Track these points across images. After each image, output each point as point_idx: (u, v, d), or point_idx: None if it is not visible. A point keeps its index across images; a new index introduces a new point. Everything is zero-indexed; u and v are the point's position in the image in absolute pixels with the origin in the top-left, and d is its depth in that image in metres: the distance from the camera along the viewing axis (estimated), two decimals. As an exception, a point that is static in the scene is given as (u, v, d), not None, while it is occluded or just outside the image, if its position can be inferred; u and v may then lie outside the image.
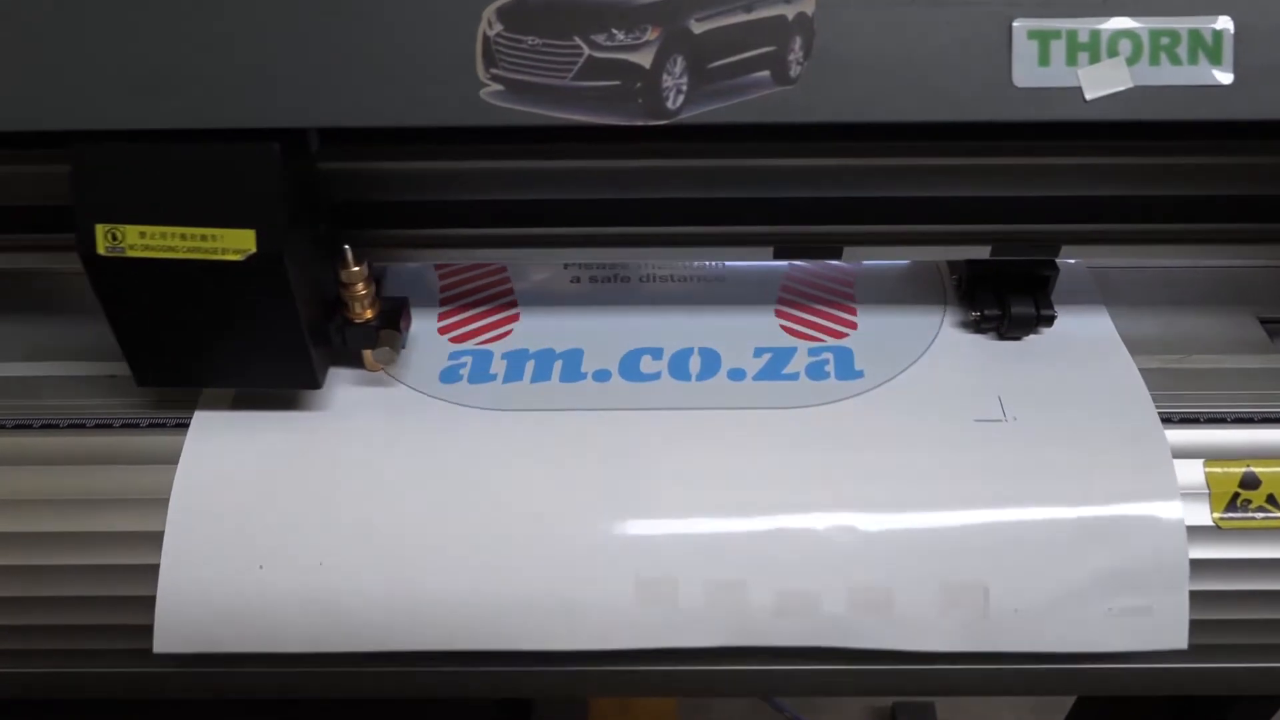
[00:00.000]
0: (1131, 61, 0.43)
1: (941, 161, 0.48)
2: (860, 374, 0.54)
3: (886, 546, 0.48)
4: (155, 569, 0.48)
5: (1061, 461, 0.50)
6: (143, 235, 0.43)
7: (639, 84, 0.43)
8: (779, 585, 0.48)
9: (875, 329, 0.56)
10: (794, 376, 0.54)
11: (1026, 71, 0.43)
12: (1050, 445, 0.50)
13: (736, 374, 0.54)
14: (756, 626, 0.48)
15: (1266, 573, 0.50)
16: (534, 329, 0.57)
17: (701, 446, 0.51)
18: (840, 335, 0.56)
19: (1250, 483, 0.50)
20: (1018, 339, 0.55)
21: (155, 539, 0.48)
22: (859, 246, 0.52)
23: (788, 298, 0.59)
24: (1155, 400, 0.52)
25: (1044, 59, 0.43)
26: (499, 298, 0.59)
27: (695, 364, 0.55)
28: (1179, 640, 0.49)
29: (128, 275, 0.44)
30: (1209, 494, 0.50)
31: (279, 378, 0.50)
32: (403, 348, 0.53)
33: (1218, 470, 0.50)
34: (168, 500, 0.49)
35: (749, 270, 0.61)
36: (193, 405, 0.52)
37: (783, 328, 0.57)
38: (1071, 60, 0.43)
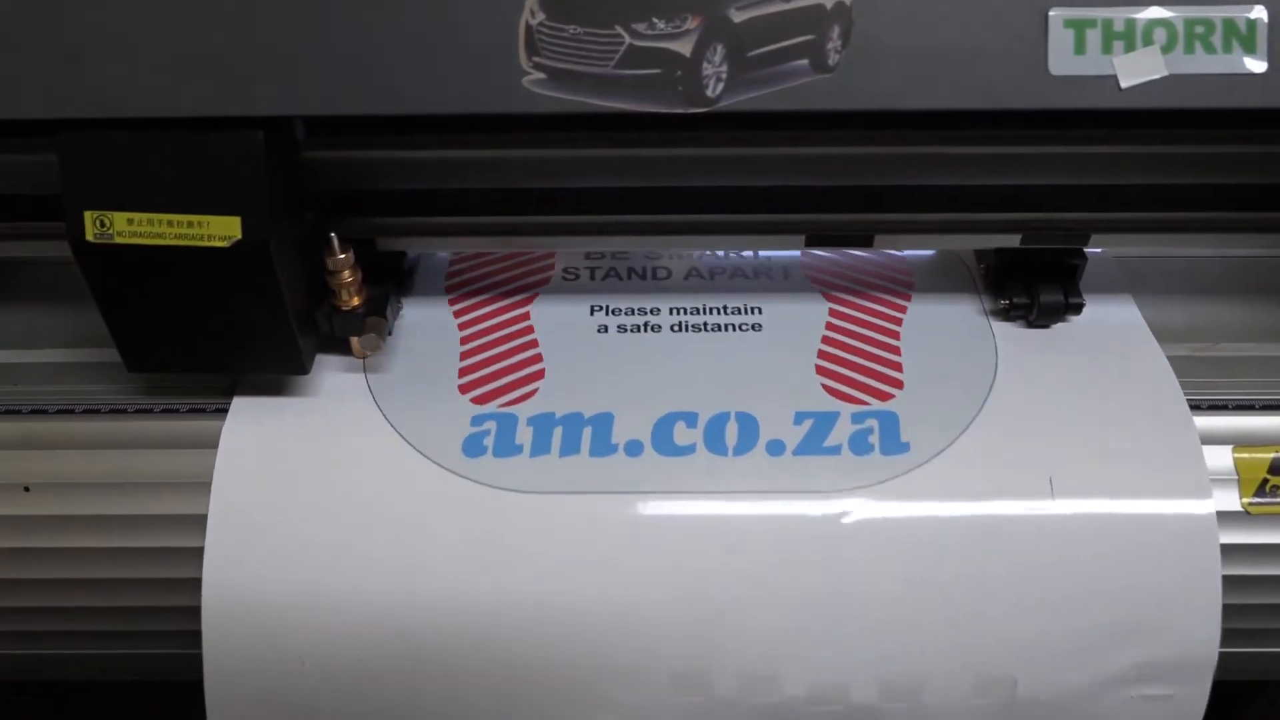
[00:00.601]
0: (1166, 50, 0.43)
1: (976, 150, 0.48)
2: (906, 447, 0.51)
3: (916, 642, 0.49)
4: (199, 551, 0.49)
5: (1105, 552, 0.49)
6: (130, 222, 0.44)
7: (679, 72, 0.43)
8: (812, 679, 0.49)
9: (923, 389, 0.53)
10: (836, 450, 0.50)
11: (1062, 60, 0.43)
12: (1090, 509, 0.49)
13: (776, 447, 0.51)
14: (789, 713, 0.50)
15: (1296, 557, 0.51)
16: (561, 387, 0.53)
17: (739, 561, 0.49)
18: (886, 397, 0.52)
19: (1279, 468, 0.51)
20: (1046, 327, 0.56)
21: (199, 521, 0.49)
22: (891, 235, 0.53)
23: (829, 351, 0.55)
24: (1184, 388, 0.52)
25: (1080, 47, 0.43)
26: (522, 350, 0.55)
27: (732, 433, 0.51)
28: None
29: (116, 261, 0.45)
30: (1238, 480, 0.51)
31: (267, 363, 0.51)
32: (389, 334, 0.54)
33: (1246, 456, 0.51)
34: (209, 484, 0.50)
35: (788, 315, 0.56)
36: (232, 391, 0.53)
37: (824, 387, 0.53)
38: (1107, 49, 0.43)
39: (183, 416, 0.53)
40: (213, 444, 0.50)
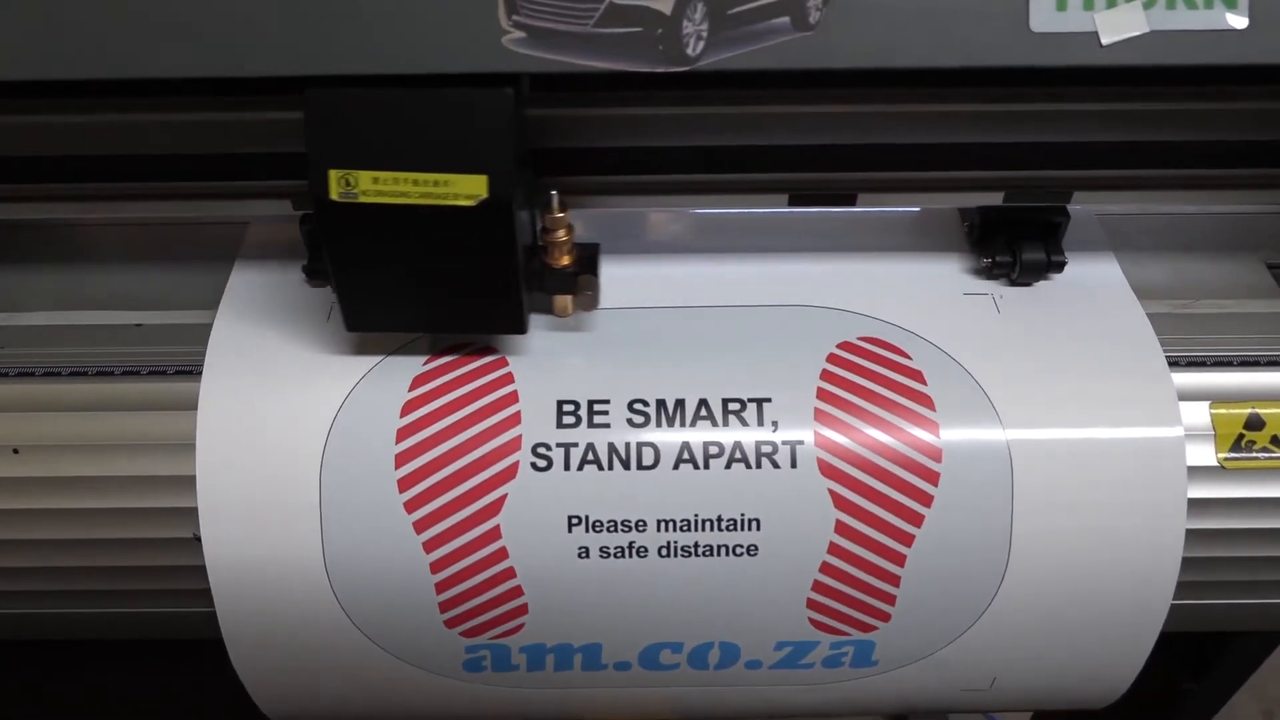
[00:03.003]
0: (1148, 6, 0.43)
1: (958, 108, 0.48)
2: (875, 664, 0.53)
3: None
4: (190, 511, 0.50)
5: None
6: (375, 181, 0.43)
7: (660, 30, 0.43)
8: None
9: (908, 622, 0.52)
10: (809, 666, 0.53)
11: (1044, 17, 0.43)
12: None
13: (753, 664, 0.53)
14: None
15: (1271, 511, 0.51)
16: (546, 621, 0.51)
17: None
18: (868, 629, 0.52)
19: (1255, 424, 0.51)
20: (1028, 285, 0.56)
21: (188, 482, 0.50)
22: (874, 193, 0.53)
23: (824, 581, 0.51)
24: (1163, 344, 0.53)
25: (1061, 4, 0.43)
26: (500, 580, 0.50)
27: (714, 657, 0.53)
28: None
29: (357, 220, 0.44)
30: (1214, 435, 0.51)
31: (488, 323, 0.50)
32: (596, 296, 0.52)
33: (1223, 412, 0.52)
34: (194, 445, 0.50)
35: (788, 535, 0.50)
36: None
37: (810, 620, 0.51)
38: (1088, 5, 0.43)
39: (170, 378, 0.53)
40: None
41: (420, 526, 0.49)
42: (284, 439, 0.50)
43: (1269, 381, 0.52)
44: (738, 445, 0.50)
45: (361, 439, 0.50)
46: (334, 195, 0.44)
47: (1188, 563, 0.51)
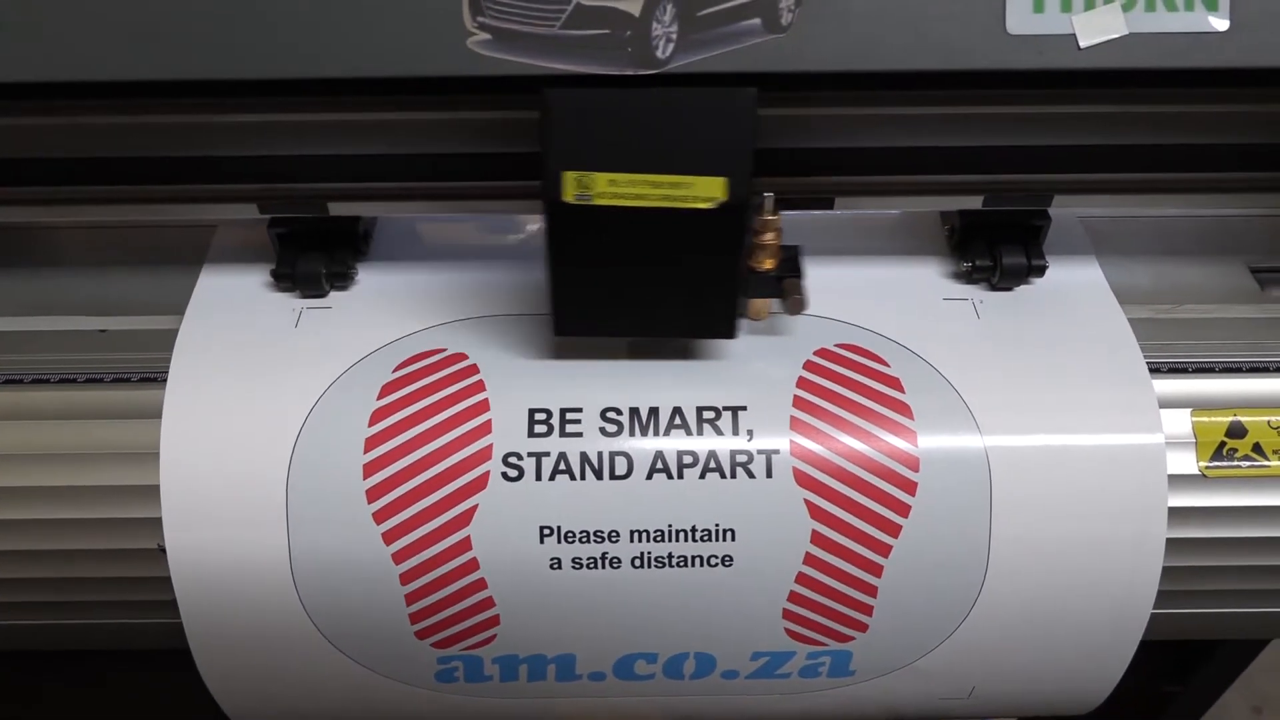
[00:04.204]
0: (1127, 8, 0.42)
1: (934, 110, 0.47)
2: (852, 674, 0.53)
3: None
4: (154, 522, 0.49)
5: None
6: (612, 183, 0.43)
7: (628, 32, 0.42)
8: None
9: (885, 632, 0.51)
10: (785, 676, 0.53)
11: (1021, 19, 0.42)
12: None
13: (729, 674, 0.53)
14: None
15: (1252, 520, 0.51)
16: (519, 633, 0.50)
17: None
18: (845, 639, 0.51)
19: (1236, 432, 0.51)
20: (1009, 289, 0.55)
21: (151, 492, 0.49)
22: (851, 197, 0.52)
23: (800, 592, 0.50)
24: (1144, 350, 0.52)
25: (1039, 6, 0.42)
26: (472, 591, 0.49)
27: (690, 667, 0.52)
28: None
29: (589, 223, 0.44)
30: (1195, 443, 0.51)
31: (698, 327, 0.50)
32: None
33: (1205, 420, 0.51)
34: (158, 454, 0.49)
35: (763, 545, 0.49)
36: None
37: (787, 631, 0.51)
38: (1066, 7, 0.42)
39: (134, 385, 0.52)
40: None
41: (389, 538, 0.48)
42: (250, 447, 0.49)
43: (1252, 389, 0.51)
44: (712, 454, 0.49)
45: (329, 448, 0.49)
46: (568, 197, 0.43)
47: (1168, 572, 0.50)
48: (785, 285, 0.50)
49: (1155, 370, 0.51)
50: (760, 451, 0.49)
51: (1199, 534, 0.50)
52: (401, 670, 0.52)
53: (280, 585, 0.49)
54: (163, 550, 0.49)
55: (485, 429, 0.49)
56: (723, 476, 0.49)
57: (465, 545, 0.48)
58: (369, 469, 0.49)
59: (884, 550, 0.49)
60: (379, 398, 0.50)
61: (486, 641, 0.51)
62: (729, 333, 0.49)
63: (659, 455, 0.49)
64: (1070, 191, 0.52)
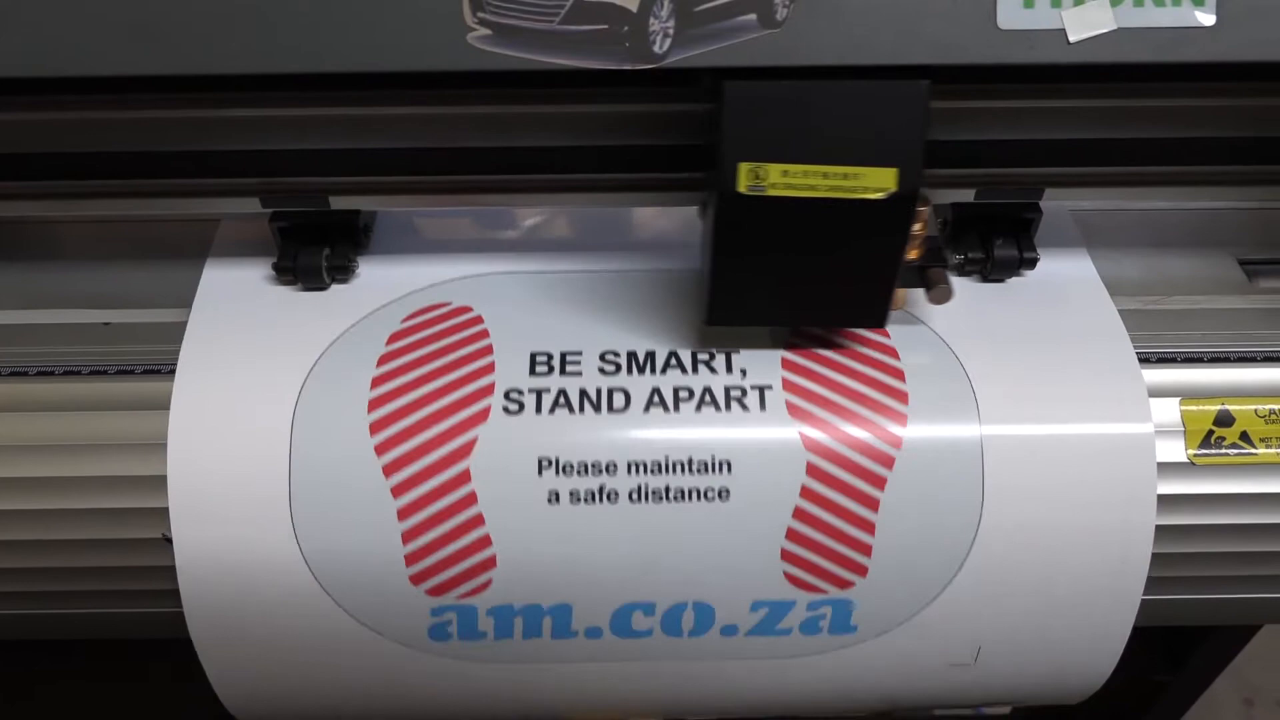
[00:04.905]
0: (1115, 3, 0.43)
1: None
2: (854, 629, 0.52)
3: None
4: (160, 512, 0.49)
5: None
6: (785, 174, 0.43)
7: (626, 28, 0.43)
8: None
9: (886, 576, 0.51)
10: (786, 633, 0.52)
11: (1011, 14, 0.43)
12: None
13: (729, 630, 0.52)
14: None
15: (1239, 507, 0.52)
16: (515, 576, 0.50)
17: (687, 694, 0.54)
18: (845, 584, 0.51)
19: (1224, 420, 0.52)
20: (1001, 281, 0.56)
21: (158, 482, 0.49)
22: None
23: (798, 529, 0.50)
24: (1134, 340, 0.53)
25: (1029, 1, 0.43)
26: (469, 528, 0.49)
27: (689, 620, 0.51)
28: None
29: (759, 214, 0.44)
30: (1184, 431, 0.51)
31: (851, 315, 0.50)
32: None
33: (1193, 408, 0.52)
34: (165, 445, 0.50)
35: (760, 476, 0.50)
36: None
37: (786, 575, 0.50)
38: (1055, 2, 0.43)
39: (138, 377, 0.52)
40: (169, 405, 0.50)
41: (389, 470, 0.49)
42: (258, 388, 0.51)
43: (1239, 378, 0.52)
44: (707, 389, 0.51)
45: (336, 384, 0.50)
46: (742, 188, 0.43)
47: (1157, 558, 0.51)
48: (930, 275, 0.51)
49: (1145, 360, 0.52)
50: (754, 387, 0.51)
51: (1188, 520, 0.51)
52: (394, 624, 0.51)
53: (278, 521, 0.49)
54: (168, 540, 0.50)
55: (488, 369, 0.51)
56: (717, 409, 0.50)
57: (464, 478, 0.49)
58: (374, 404, 0.50)
59: (879, 482, 0.50)
60: (387, 343, 0.52)
61: (483, 587, 0.50)
62: (880, 322, 0.50)
63: (655, 390, 0.51)
64: (1061, 185, 0.52)
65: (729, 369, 0.51)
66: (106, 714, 0.79)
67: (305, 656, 0.52)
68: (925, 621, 0.52)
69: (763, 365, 0.51)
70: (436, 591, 0.50)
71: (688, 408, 0.50)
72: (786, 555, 0.50)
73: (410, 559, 0.49)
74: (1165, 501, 0.50)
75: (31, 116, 0.49)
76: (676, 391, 0.50)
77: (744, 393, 0.50)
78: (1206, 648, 0.74)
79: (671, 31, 0.43)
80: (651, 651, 0.53)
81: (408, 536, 0.49)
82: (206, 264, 0.56)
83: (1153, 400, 0.51)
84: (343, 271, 0.55)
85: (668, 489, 0.49)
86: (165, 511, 0.49)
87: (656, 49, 0.43)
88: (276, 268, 0.54)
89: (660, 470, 0.49)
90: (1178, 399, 0.52)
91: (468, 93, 0.48)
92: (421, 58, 0.43)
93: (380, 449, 0.49)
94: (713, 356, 0.52)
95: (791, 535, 0.50)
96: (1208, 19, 0.43)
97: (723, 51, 0.43)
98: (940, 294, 0.51)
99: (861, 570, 0.51)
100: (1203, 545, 0.52)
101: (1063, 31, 0.43)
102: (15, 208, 0.53)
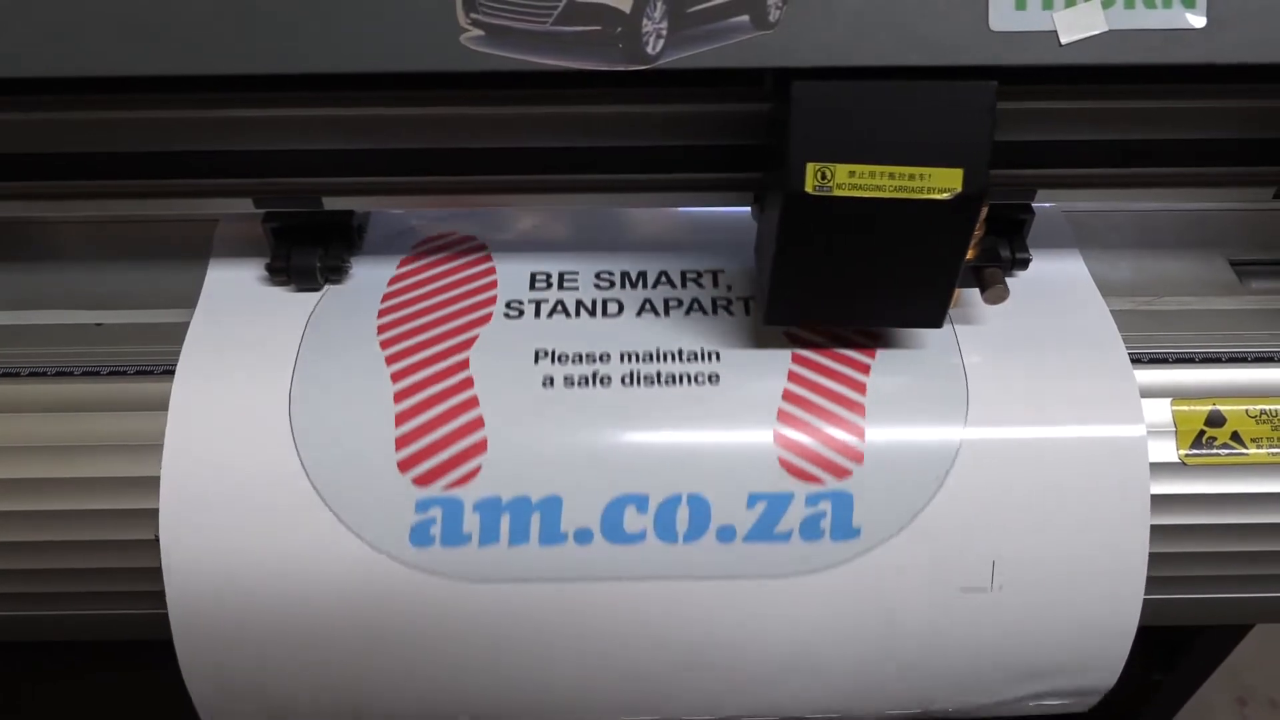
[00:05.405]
0: (1106, 5, 0.43)
1: (919, 106, 0.48)
2: (857, 533, 0.50)
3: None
4: (152, 512, 0.49)
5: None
6: (852, 174, 0.43)
7: (619, 29, 0.43)
8: None
9: (883, 461, 0.51)
10: (785, 538, 0.50)
11: (1003, 15, 0.43)
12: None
13: (726, 533, 0.50)
14: None
15: (1230, 507, 0.52)
16: (505, 463, 0.50)
17: (686, 629, 0.51)
18: (844, 473, 0.51)
19: (1215, 420, 0.52)
20: (994, 282, 0.56)
21: (151, 483, 0.49)
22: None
23: (789, 410, 0.51)
24: (1126, 341, 0.53)
25: (1020, 3, 0.43)
26: (463, 410, 0.50)
27: (683, 519, 0.50)
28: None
29: (824, 214, 0.44)
30: (1175, 431, 0.52)
31: (908, 315, 0.50)
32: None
33: (1184, 409, 0.52)
34: (160, 445, 0.50)
35: (747, 363, 0.52)
36: (178, 352, 0.52)
37: (781, 461, 0.50)
38: (1047, 4, 0.43)
39: (131, 378, 0.52)
40: (162, 405, 0.50)
41: (391, 360, 0.52)
42: (269, 311, 0.54)
43: (1230, 378, 0.53)
44: (695, 299, 0.55)
45: (349, 307, 0.54)
46: (808, 188, 0.43)
47: (1151, 558, 0.51)
48: (986, 275, 0.52)
49: (1136, 361, 0.52)
50: (739, 298, 0.55)
51: (1179, 520, 0.51)
52: (374, 520, 0.49)
53: (276, 420, 0.50)
54: (159, 540, 0.50)
55: (491, 285, 0.56)
56: (705, 314, 0.55)
57: (463, 365, 0.52)
58: (383, 313, 0.54)
59: (864, 369, 0.52)
60: (399, 267, 0.56)
61: (470, 476, 0.49)
62: (938, 322, 0.50)
63: (647, 300, 0.55)
64: (1053, 186, 0.52)
65: (715, 284, 0.56)
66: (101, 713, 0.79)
67: (270, 534, 0.50)
68: (928, 525, 0.50)
69: (749, 282, 0.55)
70: (424, 480, 0.49)
71: (677, 313, 0.54)
72: (780, 439, 0.50)
73: (401, 442, 0.50)
74: (1156, 502, 0.51)
75: (19, 117, 0.49)
76: (667, 301, 0.55)
77: (730, 302, 0.55)
78: (1199, 647, 0.74)
79: (664, 32, 0.43)
80: (645, 564, 0.50)
81: (402, 418, 0.50)
82: (210, 264, 0.56)
83: (1144, 400, 0.51)
84: (336, 272, 0.55)
85: (659, 374, 0.52)
86: (157, 513, 0.49)
87: (649, 50, 0.43)
88: (269, 268, 0.54)
89: (651, 359, 0.52)
90: (1169, 399, 0.52)
91: (461, 93, 0.48)
92: (414, 58, 0.43)
93: (385, 344, 0.52)
94: (700, 275, 0.56)
95: (783, 417, 0.51)
96: (1198, 21, 0.43)
97: (716, 53, 0.43)
98: (996, 294, 0.51)
99: (857, 456, 0.51)
100: (1194, 545, 0.52)
101: (1054, 33, 0.43)
102: (5, 208, 0.53)
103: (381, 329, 0.53)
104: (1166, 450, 0.51)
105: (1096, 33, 0.43)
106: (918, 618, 0.52)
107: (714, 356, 0.52)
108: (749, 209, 0.53)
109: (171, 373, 0.51)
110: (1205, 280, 0.58)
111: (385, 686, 0.52)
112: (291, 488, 0.49)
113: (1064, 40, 0.43)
